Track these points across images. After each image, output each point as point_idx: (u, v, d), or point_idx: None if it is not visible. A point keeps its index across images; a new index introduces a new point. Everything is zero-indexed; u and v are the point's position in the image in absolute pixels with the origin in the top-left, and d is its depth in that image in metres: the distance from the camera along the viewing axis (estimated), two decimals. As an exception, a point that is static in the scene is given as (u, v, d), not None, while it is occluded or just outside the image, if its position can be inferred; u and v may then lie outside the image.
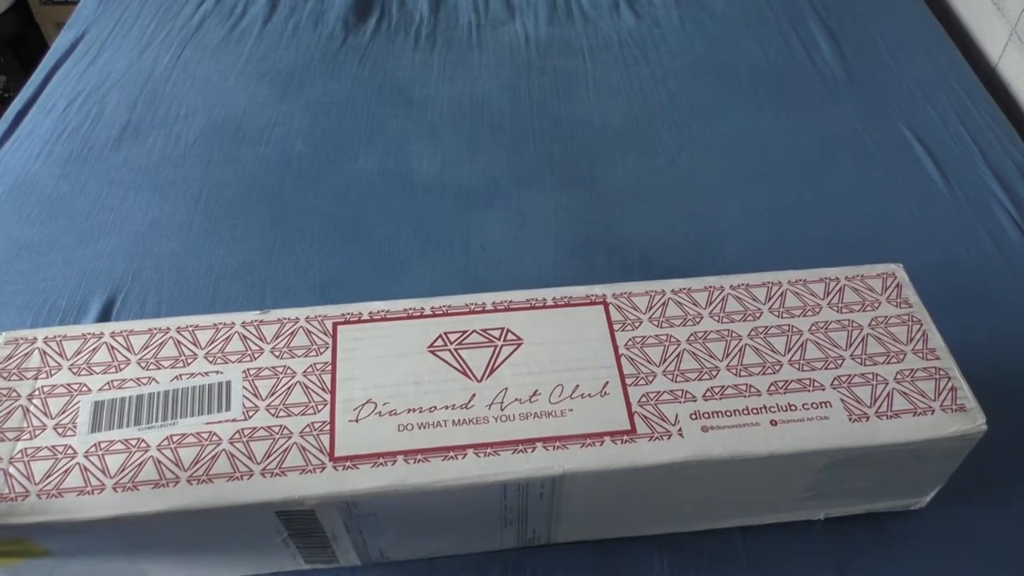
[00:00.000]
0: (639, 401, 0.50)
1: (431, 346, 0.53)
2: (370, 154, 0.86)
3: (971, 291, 0.73)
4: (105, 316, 0.70)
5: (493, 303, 0.55)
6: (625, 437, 0.49)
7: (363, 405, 0.50)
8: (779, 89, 0.95)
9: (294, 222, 0.79)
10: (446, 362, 0.52)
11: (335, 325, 0.54)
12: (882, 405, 0.50)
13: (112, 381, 0.51)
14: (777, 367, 0.52)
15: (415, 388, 0.50)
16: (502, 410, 0.50)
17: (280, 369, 0.51)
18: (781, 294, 0.56)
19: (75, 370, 0.51)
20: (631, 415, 0.49)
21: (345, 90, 0.94)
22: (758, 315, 0.54)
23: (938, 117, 0.92)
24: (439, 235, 0.78)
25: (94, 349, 0.52)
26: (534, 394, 0.50)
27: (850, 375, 0.51)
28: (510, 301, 0.55)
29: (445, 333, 0.53)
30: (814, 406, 0.50)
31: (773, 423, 0.49)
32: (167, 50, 0.99)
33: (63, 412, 0.49)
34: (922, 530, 0.57)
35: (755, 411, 0.50)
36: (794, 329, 0.54)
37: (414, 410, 0.49)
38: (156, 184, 0.82)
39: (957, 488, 0.56)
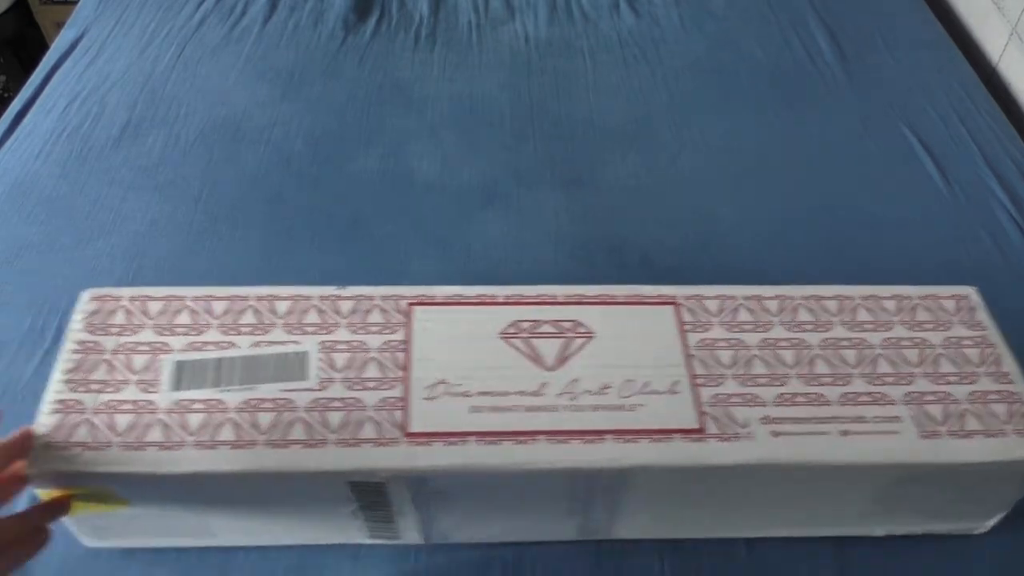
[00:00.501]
0: (709, 402, 0.50)
1: (503, 333, 0.53)
2: (370, 154, 0.86)
3: (971, 291, 0.73)
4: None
5: (565, 295, 0.56)
6: (695, 436, 0.49)
7: (436, 385, 0.51)
8: (779, 89, 0.95)
9: (294, 222, 0.79)
10: (518, 349, 0.53)
11: (410, 305, 0.55)
12: (954, 424, 0.50)
13: (193, 343, 0.52)
14: (848, 379, 0.52)
15: (487, 372, 0.51)
16: (572, 400, 0.50)
17: (355, 344, 0.53)
18: (853, 308, 0.56)
19: (158, 330, 0.53)
20: (701, 415, 0.50)
21: (345, 90, 0.94)
22: (829, 327, 0.55)
23: (938, 117, 0.91)
24: (439, 235, 0.78)
25: (176, 311, 0.54)
26: (604, 387, 0.51)
27: (921, 392, 0.51)
28: (581, 295, 0.56)
29: (517, 321, 0.54)
30: (885, 420, 0.50)
31: (843, 433, 0.49)
32: (167, 50, 0.99)
33: (146, 369, 0.51)
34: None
35: (825, 420, 0.50)
36: (865, 343, 0.54)
37: (486, 393, 0.50)
38: (156, 184, 0.82)
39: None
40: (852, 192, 0.83)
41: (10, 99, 0.94)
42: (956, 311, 0.56)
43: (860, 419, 0.50)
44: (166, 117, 0.90)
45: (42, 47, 1.25)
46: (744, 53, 1.01)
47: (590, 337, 0.53)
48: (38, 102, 0.92)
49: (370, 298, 0.55)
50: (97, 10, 1.06)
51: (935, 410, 0.51)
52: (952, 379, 0.52)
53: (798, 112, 0.92)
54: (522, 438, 0.48)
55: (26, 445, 0.47)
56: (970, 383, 0.52)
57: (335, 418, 0.49)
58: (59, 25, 1.13)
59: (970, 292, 0.58)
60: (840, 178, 0.85)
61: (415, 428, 0.49)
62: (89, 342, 0.52)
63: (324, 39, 1.01)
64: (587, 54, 1.00)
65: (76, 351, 0.51)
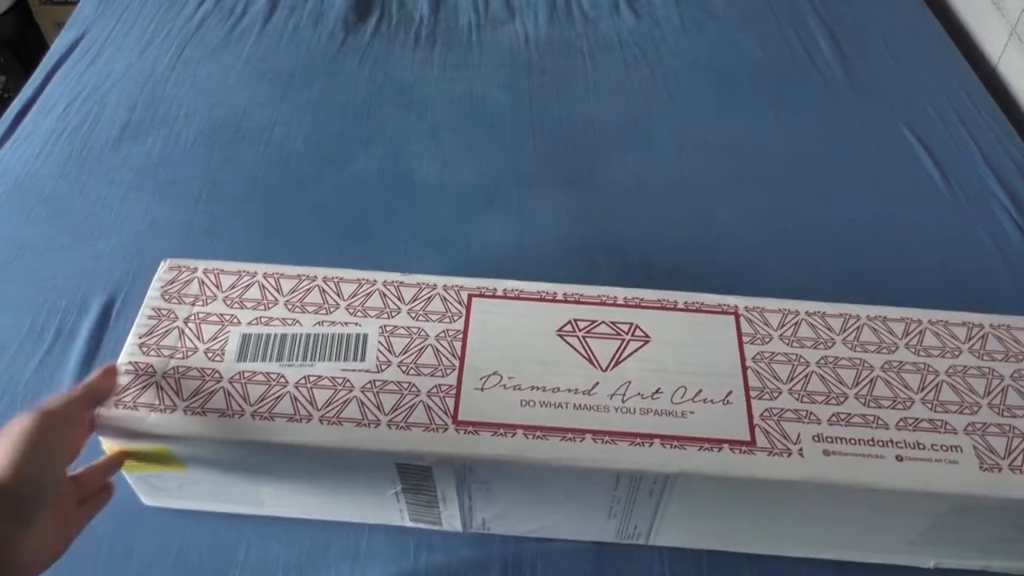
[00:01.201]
0: (762, 415, 0.50)
1: (560, 330, 0.54)
2: (370, 154, 0.86)
3: (971, 291, 0.73)
4: (105, 316, 0.70)
5: (624, 298, 0.56)
6: (744, 448, 0.49)
7: (489, 376, 0.51)
8: (779, 89, 0.95)
9: (294, 222, 0.79)
10: (573, 347, 0.53)
11: (470, 297, 0.56)
12: (1017, 458, 0.49)
13: (260, 317, 0.54)
14: (908, 403, 0.51)
15: (541, 367, 0.52)
16: (623, 402, 0.50)
17: (415, 330, 0.54)
18: (920, 331, 0.55)
19: (228, 302, 0.55)
20: (752, 427, 0.50)
21: (345, 90, 0.94)
22: (893, 349, 0.54)
23: (938, 117, 0.91)
24: (439, 235, 0.78)
25: (247, 286, 0.56)
26: (656, 391, 0.51)
27: (985, 423, 0.50)
28: (641, 299, 0.56)
29: (575, 320, 0.55)
30: (944, 448, 0.49)
31: (899, 458, 0.48)
32: (167, 50, 0.99)
33: (214, 339, 0.53)
34: None
35: (881, 443, 0.49)
36: (930, 368, 0.53)
37: (538, 388, 0.51)
38: (156, 184, 0.82)
39: None
40: (852, 192, 0.83)
41: (10, 99, 0.94)
42: None
43: (918, 445, 0.49)
44: (166, 117, 0.90)
45: (42, 47, 1.25)
46: (744, 53, 1.01)
47: (647, 341, 0.54)
48: (38, 102, 0.92)
49: (432, 286, 0.56)
50: (97, 10, 1.06)
51: (998, 443, 0.49)
52: (1019, 412, 0.51)
53: (798, 112, 0.92)
54: (569, 435, 0.49)
55: (106, 387, 0.50)
56: None
57: (389, 400, 0.50)
58: (59, 25, 1.13)
59: None
60: (840, 178, 0.85)
61: (465, 416, 0.50)
62: (164, 309, 0.55)
63: (324, 39, 1.01)
64: (587, 54, 1.00)
65: (151, 316, 0.54)
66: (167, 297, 0.55)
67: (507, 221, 0.79)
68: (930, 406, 0.51)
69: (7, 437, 0.42)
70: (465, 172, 0.85)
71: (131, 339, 0.53)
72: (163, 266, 0.58)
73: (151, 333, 0.53)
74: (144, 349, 0.53)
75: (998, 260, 0.76)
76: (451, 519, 0.55)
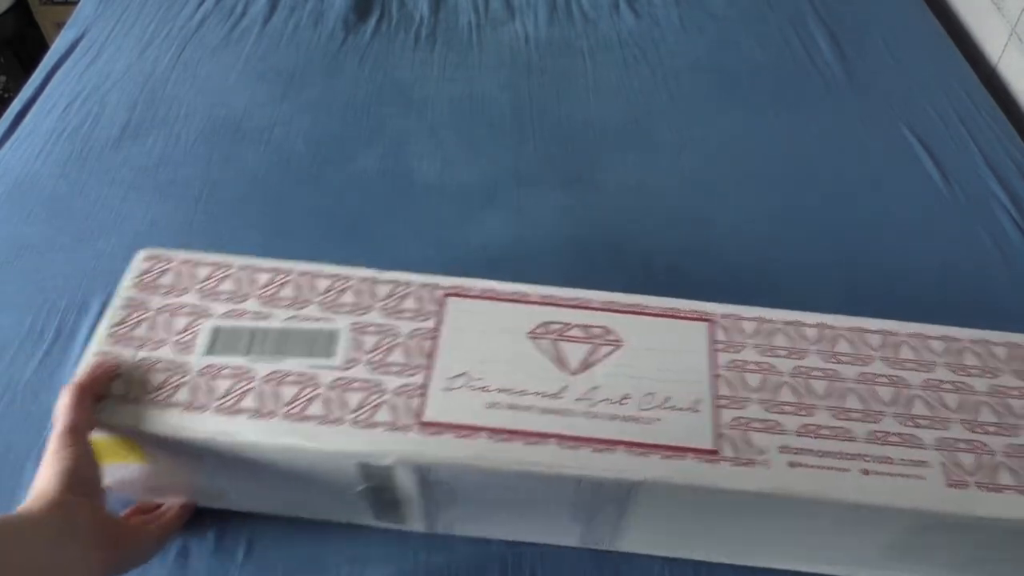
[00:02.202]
0: (729, 424, 0.49)
1: (532, 332, 0.53)
2: (370, 154, 0.86)
3: (971, 291, 0.73)
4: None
5: (599, 302, 0.55)
6: (708, 457, 0.48)
7: (457, 376, 0.51)
8: (779, 89, 0.95)
9: (294, 222, 0.79)
10: (543, 350, 0.52)
11: (444, 295, 0.55)
12: (984, 475, 0.48)
13: (233, 310, 0.53)
14: (879, 417, 0.50)
15: (509, 369, 0.51)
16: (591, 407, 0.50)
17: (386, 327, 0.53)
18: (895, 344, 0.54)
19: (202, 294, 0.54)
20: (718, 436, 0.49)
21: (345, 90, 0.94)
22: (868, 361, 0.53)
23: (938, 117, 0.91)
24: (439, 235, 0.78)
25: (222, 278, 0.55)
26: (625, 397, 0.50)
27: (955, 439, 0.50)
28: (615, 302, 0.55)
29: (547, 322, 0.54)
30: (911, 463, 0.48)
31: (865, 472, 0.48)
32: (167, 50, 0.99)
33: (185, 331, 0.52)
34: None
35: (848, 456, 0.48)
36: (903, 382, 0.52)
37: (505, 390, 0.50)
38: (156, 184, 0.82)
39: None
40: (852, 192, 0.83)
41: (10, 99, 0.94)
42: (1008, 359, 0.54)
43: (885, 459, 0.48)
44: (166, 117, 0.90)
45: (42, 47, 1.25)
46: (744, 53, 1.01)
47: (618, 346, 0.53)
48: (38, 102, 0.92)
49: (407, 284, 0.56)
50: (97, 10, 1.06)
51: (967, 459, 0.49)
52: (991, 429, 0.50)
53: (798, 112, 0.92)
54: (533, 439, 0.48)
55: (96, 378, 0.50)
56: (1009, 435, 0.50)
57: (355, 398, 0.50)
58: (59, 25, 1.13)
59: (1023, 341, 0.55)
60: (840, 178, 0.85)
61: (430, 417, 0.49)
62: (136, 299, 0.54)
63: (324, 39, 1.01)
64: (587, 54, 1.00)
65: (124, 306, 0.54)
66: (140, 287, 0.55)
67: (507, 221, 0.79)
68: (901, 420, 0.50)
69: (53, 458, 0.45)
70: (465, 172, 0.84)
71: (101, 329, 0.53)
72: (139, 256, 0.57)
73: (122, 323, 0.53)
74: (113, 340, 0.52)
75: (998, 260, 0.76)
76: (414, 520, 0.54)
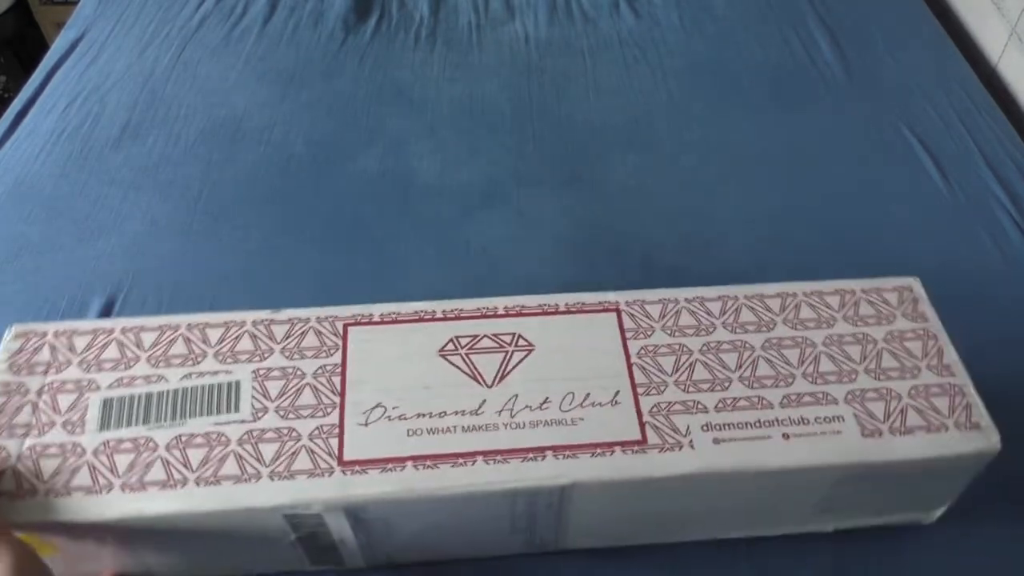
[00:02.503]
0: (650, 411, 0.49)
1: (442, 350, 0.52)
2: (370, 154, 0.86)
3: (971, 291, 0.73)
4: (105, 316, 0.70)
5: (505, 307, 0.54)
6: (636, 447, 0.48)
7: (372, 409, 0.49)
8: (779, 89, 0.95)
9: (294, 222, 0.79)
10: (456, 367, 0.51)
11: (345, 326, 0.53)
12: (895, 421, 0.49)
13: (122, 378, 0.50)
14: (790, 380, 0.51)
15: (425, 393, 0.50)
16: (512, 417, 0.49)
17: (290, 370, 0.51)
18: (795, 305, 0.54)
19: (85, 366, 0.50)
20: (642, 425, 0.49)
21: (345, 90, 0.94)
22: (772, 326, 0.53)
23: (938, 117, 0.91)
24: (439, 236, 0.78)
25: (104, 345, 0.51)
26: (544, 401, 0.49)
27: (864, 390, 0.50)
28: (522, 306, 0.54)
29: (456, 337, 0.52)
30: (827, 420, 0.49)
31: (785, 436, 0.48)
32: (167, 50, 0.99)
33: (72, 409, 0.49)
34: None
35: (767, 424, 0.49)
36: (808, 341, 0.53)
37: (424, 415, 0.49)
38: (156, 184, 0.82)
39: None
40: (852, 192, 0.83)
41: (10, 99, 0.94)
42: (899, 304, 0.55)
43: (802, 421, 0.49)
44: (166, 117, 0.90)
45: (42, 47, 1.25)
46: (744, 53, 1.01)
47: (531, 350, 0.52)
48: (38, 102, 0.92)
49: (305, 320, 0.53)
50: (97, 10, 1.06)
51: (877, 407, 0.50)
52: (894, 375, 0.51)
53: (798, 112, 0.92)
54: (460, 460, 0.47)
55: None
56: (912, 378, 0.51)
57: (269, 450, 0.47)
58: (59, 25, 1.13)
59: (913, 283, 0.57)
60: (840, 178, 0.85)
61: (350, 456, 0.47)
62: (13, 383, 0.50)
63: (324, 39, 1.01)
64: (587, 54, 1.01)
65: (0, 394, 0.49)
66: (15, 369, 0.50)
67: (507, 221, 0.79)
68: (811, 379, 0.51)
69: None
70: (465, 172, 0.85)
71: None
72: (8, 334, 0.52)
73: (1, 412, 0.48)
74: None
75: (998, 260, 0.76)
76: (353, 558, 0.52)
